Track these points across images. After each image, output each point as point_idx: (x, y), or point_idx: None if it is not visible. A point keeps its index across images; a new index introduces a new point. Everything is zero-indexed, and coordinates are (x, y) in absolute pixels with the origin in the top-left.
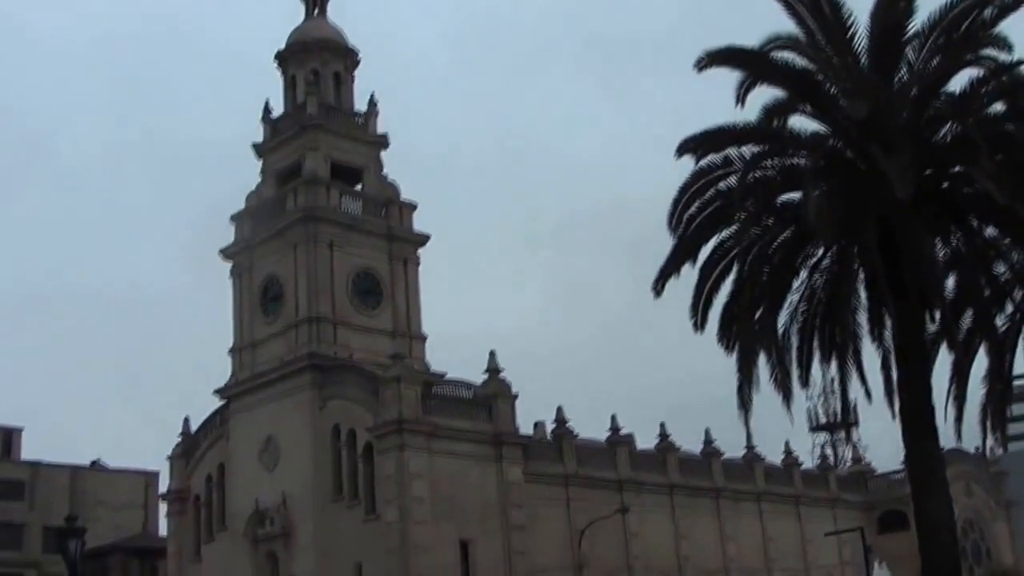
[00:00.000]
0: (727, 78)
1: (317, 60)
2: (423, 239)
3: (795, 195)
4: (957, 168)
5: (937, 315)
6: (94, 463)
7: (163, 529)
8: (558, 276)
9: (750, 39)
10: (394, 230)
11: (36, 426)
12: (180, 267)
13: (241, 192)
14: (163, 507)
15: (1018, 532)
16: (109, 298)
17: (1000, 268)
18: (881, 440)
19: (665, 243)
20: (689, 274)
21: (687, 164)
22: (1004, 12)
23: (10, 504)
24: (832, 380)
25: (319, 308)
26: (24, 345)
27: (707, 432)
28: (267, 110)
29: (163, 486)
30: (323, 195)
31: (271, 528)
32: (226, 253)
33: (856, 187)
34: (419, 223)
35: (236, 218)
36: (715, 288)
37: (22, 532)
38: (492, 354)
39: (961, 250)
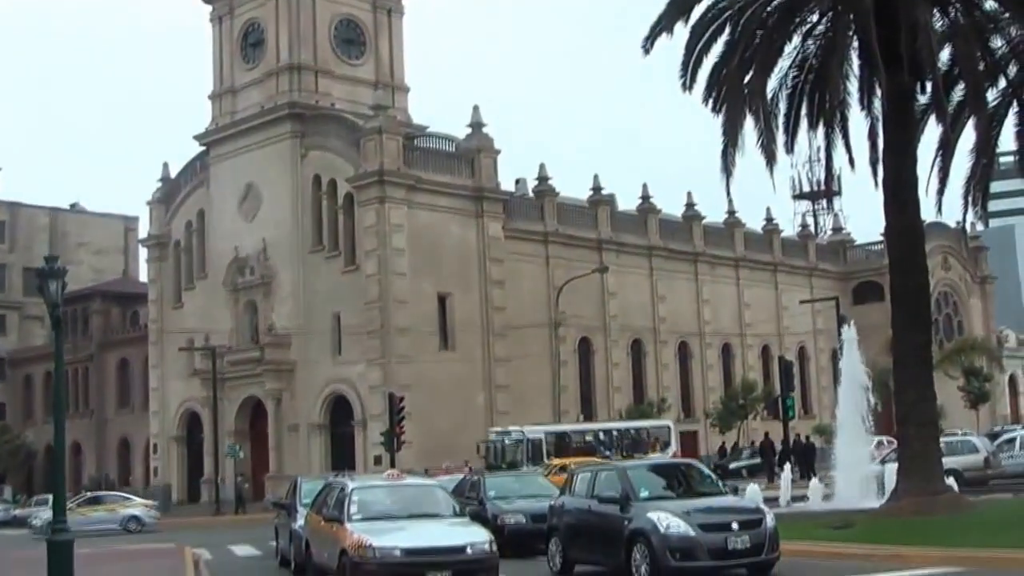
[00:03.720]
0: None
1: None
2: None
3: None
4: None
5: (928, 87)
6: (73, 205)
7: (143, 275)
8: (547, 36)
9: None
10: None
11: (14, 166)
12: (159, 7)
13: None
14: (143, 253)
15: (992, 307)
16: (90, 37)
17: (997, 43)
18: (862, 213)
19: (657, 6)
20: (680, 37)
21: None
22: None
23: None
24: (818, 148)
25: (300, 56)
26: (1, 86)
27: (688, 195)
28: None
29: (143, 231)
30: None
31: (251, 277)
32: None
33: None
34: None
35: None
36: (706, 49)
37: (3, 273)
38: (476, 108)
39: (960, 22)
